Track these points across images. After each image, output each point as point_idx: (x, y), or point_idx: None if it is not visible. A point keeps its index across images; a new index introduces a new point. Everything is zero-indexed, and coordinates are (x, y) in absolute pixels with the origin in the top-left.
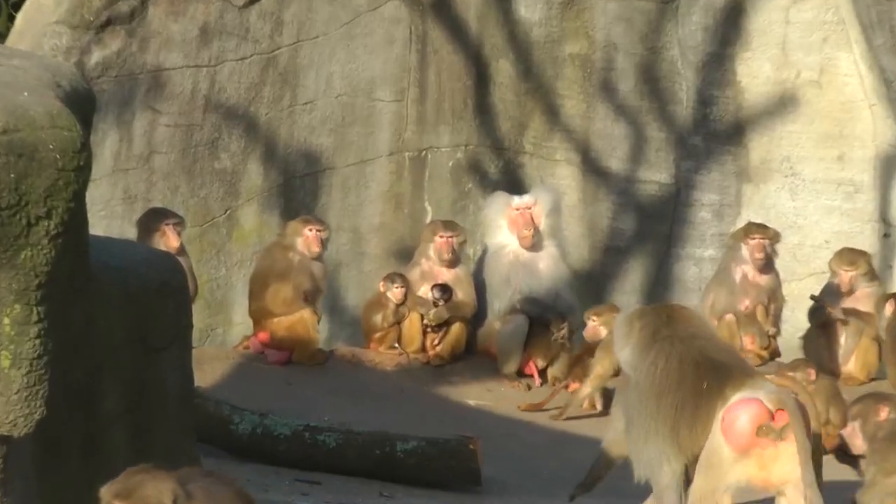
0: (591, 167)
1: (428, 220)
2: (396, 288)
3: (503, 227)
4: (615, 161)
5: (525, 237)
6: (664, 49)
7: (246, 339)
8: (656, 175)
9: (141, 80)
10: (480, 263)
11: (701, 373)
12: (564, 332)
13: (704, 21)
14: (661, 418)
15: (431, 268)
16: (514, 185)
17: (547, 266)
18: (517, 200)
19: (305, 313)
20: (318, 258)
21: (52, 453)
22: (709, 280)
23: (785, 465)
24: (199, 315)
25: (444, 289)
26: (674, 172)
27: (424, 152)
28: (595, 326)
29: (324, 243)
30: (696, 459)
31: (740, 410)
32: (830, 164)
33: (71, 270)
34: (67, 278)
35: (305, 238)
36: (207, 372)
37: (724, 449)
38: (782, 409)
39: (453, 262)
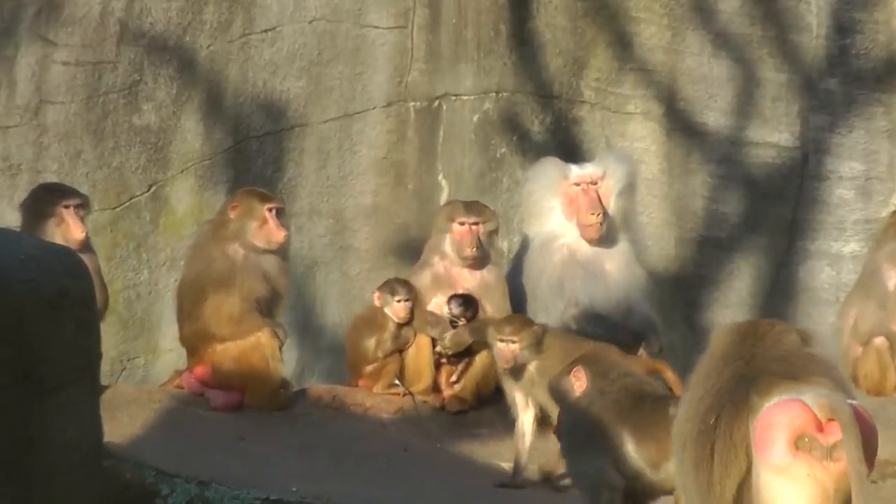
0: (680, 123)
1: (443, 199)
2: (398, 301)
3: (554, 210)
4: (714, 115)
5: (591, 225)
6: None
7: (178, 375)
8: (773, 135)
9: None
10: (519, 263)
11: (720, 401)
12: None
13: None
14: (690, 481)
15: (448, 270)
16: (568, 149)
17: (617, 267)
18: (577, 171)
19: (263, 336)
20: (280, 252)
21: None
22: (850, 288)
23: (832, 497)
24: (110, 339)
25: (467, 301)
26: (799, 131)
27: (437, 102)
28: (511, 350)
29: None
30: None
31: (775, 414)
32: None
33: None
34: None
35: (264, 222)
36: (124, 422)
37: (761, 472)
38: (834, 420)
39: (480, 262)
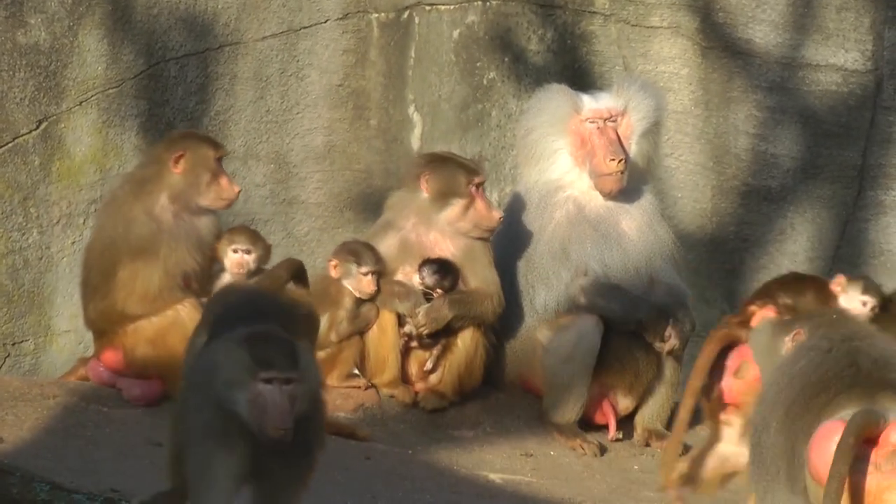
0: (718, 40)
1: (414, 138)
2: (365, 273)
3: (560, 153)
4: (762, 29)
5: (610, 174)
6: None
7: (82, 363)
8: (838, 55)
9: None
10: (513, 221)
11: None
12: (672, 345)
13: None
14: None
15: (422, 236)
16: (576, 74)
17: (637, 226)
18: (591, 104)
19: (184, 310)
20: (214, 210)
21: None
22: None
23: None
24: None
25: (444, 268)
26: (871, 50)
27: (407, 13)
28: None
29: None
30: None
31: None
32: None
33: None
34: None
35: (215, 175)
36: (8, 423)
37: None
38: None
39: None
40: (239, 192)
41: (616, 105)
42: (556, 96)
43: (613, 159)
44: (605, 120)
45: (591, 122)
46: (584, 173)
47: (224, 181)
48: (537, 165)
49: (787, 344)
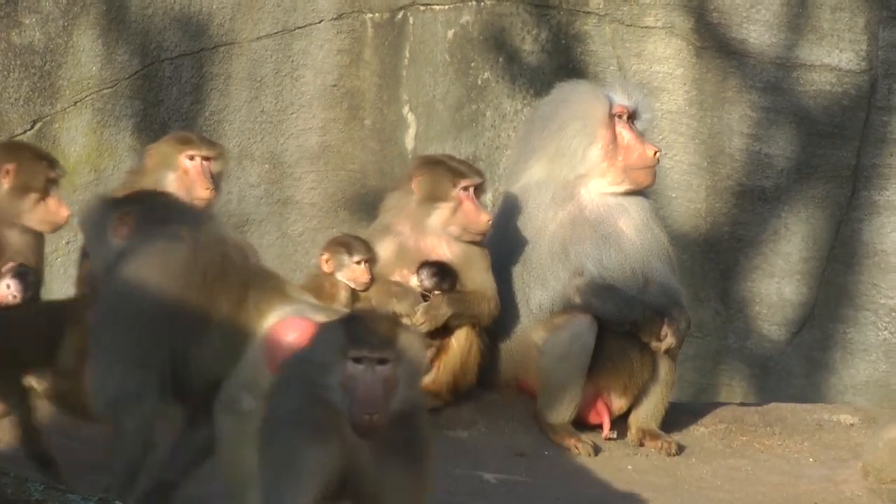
0: (713, 40)
1: (409, 138)
2: (358, 262)
3: (593, 147)
4: (756, 29)
5: (652, 166)
6: None
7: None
8: (833, 55)
9: None
10: (510, 221)
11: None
12: (668, 343)
13: None
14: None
15: (418, 242)
16: (570, 74)
17: (634, 226)
18: (619, 100)
19: None
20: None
21: None
22: None
23: None
24: None
25: (442, 271)
26: (865, 50)
27: (402, 13)
28: None
29: (217, 182)
30: None
31: (286, 331)
32: None
33: None
34: None
35: (184, 172)
36: (3, 422)
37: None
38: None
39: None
40: (211, 193)
41: (632, 103)
42: (589, 91)
43: (657, 151)
44: (629, 116)
45: (619, 118)
46: (612, 168)
47: (194, 179)
48: (567, 162)
49: (115, 221)
